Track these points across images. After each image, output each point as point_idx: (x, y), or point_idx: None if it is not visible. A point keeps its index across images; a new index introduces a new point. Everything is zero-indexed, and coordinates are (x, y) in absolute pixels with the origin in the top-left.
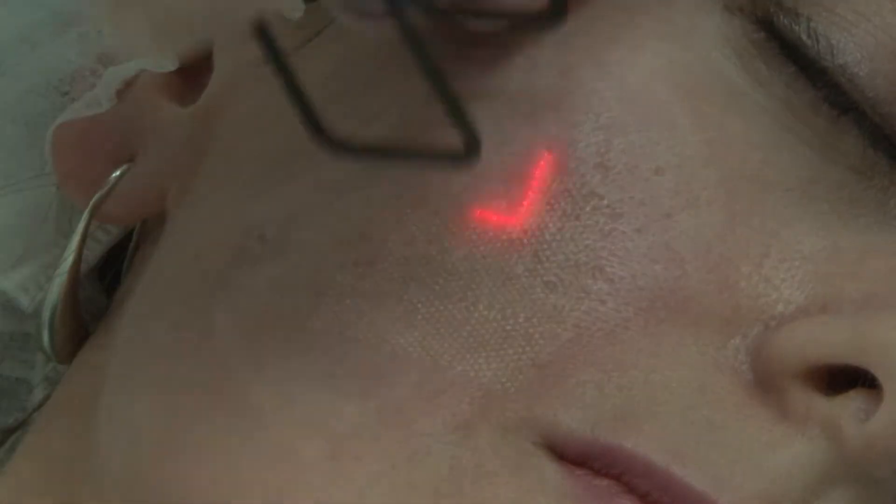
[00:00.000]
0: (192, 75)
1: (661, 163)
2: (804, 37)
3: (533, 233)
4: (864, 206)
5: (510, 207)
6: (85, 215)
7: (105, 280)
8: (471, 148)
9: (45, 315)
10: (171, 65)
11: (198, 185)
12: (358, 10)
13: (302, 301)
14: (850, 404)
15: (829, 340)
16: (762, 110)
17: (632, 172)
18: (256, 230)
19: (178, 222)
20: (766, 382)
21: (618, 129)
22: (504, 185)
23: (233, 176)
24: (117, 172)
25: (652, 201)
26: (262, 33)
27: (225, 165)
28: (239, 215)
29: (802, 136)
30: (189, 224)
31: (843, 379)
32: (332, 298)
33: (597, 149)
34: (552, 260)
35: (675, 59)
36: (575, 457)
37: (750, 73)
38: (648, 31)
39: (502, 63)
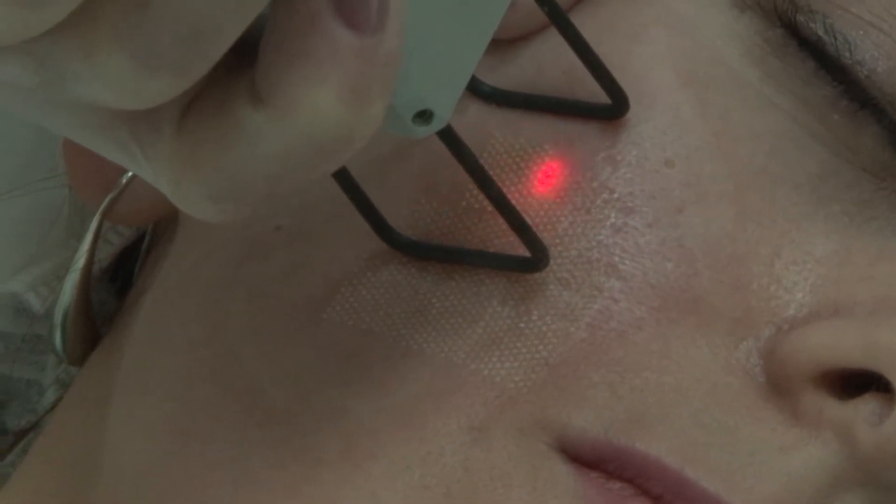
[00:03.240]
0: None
1: (670, 154)
2: (822, 33)
3: (545, 227)
4: (875, 208)
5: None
6: (97, 216)
7: (116, 282)
8: (539, 258)
9: (58, 317)
10: None
11: None
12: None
13: (316, 291)
14: (863, 408)
15: (842, 345)
16: (769, 103)
17: (641, 165)
18: (272, 221)
19: (191, 221)
20: (778, 385)
21: (624, 119)
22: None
23: None
24: (129, 173)
25: (662, 195)
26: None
27: None
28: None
29: (814, 132)
30: (203, 221)
31: (856, 383)
32: (347, 289)
33: (605, 140)
34: (564, 256)
35: (674, 45)
36: (588, 459)
37: (760, 68)
38: (648, 18)
39: (509, 62)
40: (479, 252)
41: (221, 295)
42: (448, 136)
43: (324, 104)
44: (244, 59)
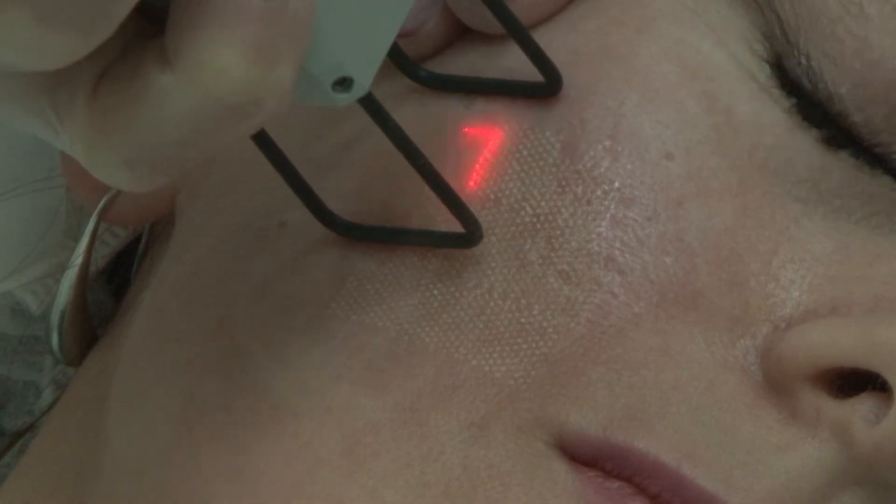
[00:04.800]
0: None
1: (671, 147)
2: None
3: (546, 217)
4: (875, 203)
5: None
6: (93, 217)
7: (113, 283)
8: (472, 232)
9: (54, 317)
10: None
11: (209, 183)
12: None
13: (322, 286)
14: (860, 407)
15: (839, 343)
16: (772, 99)
17: (641, 157)
18: (276, 217)
19: (190, 218)
20: (775, 384)
21: (626, 110)
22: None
23: (249, 168)
24: None
25: (662, 187)
26: (262, 139)
27: (240, 159)
28: (257, 204)
29: (812, 131)
30: (204, 216)
31: (853, 382)
32: (353, 283)
33: (605, 131)
34: (565, 248)
35: (681, 40)
36: (586, 458)
37: (760, 65)
38: (656, 11)
39: (514, 48)
40: (415, 231)
41: (226, 289)
42: (370, 104)
43: (229, 64)
44: (159, 28)
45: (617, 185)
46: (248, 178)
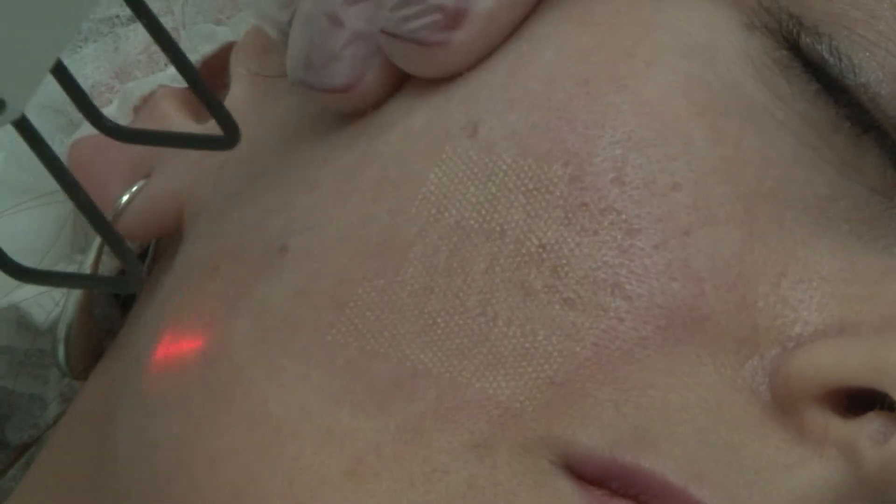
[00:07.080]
0: None
1: (678, 178)
2: (827, 55)
3: (552, 247)
4: (883, 227)
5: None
6: None
7: (119, 297)
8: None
9: (61, 331)
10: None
11: (215, 200)
12: (318, 86)
13: (323, 312)
14: (867, 426)
15: (847, 363)
16: (781, 126)
17: (648, 188)
18: (278, 241)
19: (195, 237)
20: (783, 404)
21: (634, 143)
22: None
23: (252, 189)
24: (133, 188)
25: (669, 217)
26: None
27: (244, 179)
28: (260, 227)
29: (822, 153)
30: (208, 237)
31: (861, 401)
32: (353, 310)
33: (613, 163)
34: (570, 276)
35: (691, 74)
36: (593, 477)
37: (770, 88)
38: (665, 45)
39: (519, 75)
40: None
41: (228, 313)
42: (24, 128)
43: None
44: None
45: (624, 216)
46: (251, 197)
